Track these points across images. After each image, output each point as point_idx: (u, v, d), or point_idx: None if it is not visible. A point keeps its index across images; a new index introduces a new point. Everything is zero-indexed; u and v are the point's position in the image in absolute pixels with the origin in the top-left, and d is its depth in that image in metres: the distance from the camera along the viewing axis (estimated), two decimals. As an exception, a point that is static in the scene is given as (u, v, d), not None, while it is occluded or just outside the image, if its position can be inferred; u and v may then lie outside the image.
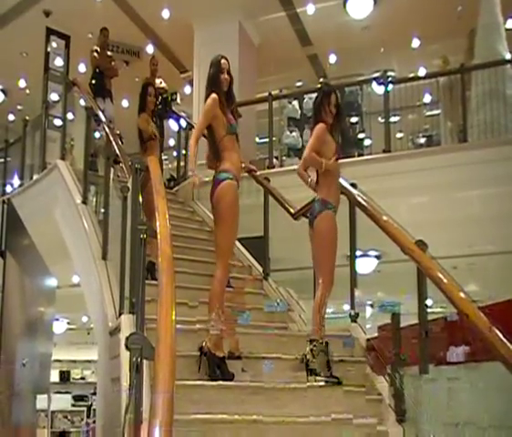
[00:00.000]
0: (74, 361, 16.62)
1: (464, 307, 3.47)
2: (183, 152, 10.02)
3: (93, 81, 9.43)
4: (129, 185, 4.94)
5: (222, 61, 4.54)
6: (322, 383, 4.29)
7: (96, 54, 9.56)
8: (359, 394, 4.25)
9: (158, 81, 9.72)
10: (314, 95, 10.19)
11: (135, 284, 4.18)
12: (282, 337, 4.95)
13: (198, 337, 4.42)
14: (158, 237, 3.52)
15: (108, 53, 9.88)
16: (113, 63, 9.81)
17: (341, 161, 5.00)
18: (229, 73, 4.53)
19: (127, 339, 2.71)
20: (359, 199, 4.90)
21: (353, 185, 5.03)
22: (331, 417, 3.96)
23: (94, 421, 13.90)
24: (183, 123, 10.26)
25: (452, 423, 3.52)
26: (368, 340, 4.82)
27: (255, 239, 6.75)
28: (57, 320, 13.09)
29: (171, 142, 11.42)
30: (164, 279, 3.00)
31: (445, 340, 4.23)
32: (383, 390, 4.29)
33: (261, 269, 6.56)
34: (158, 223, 3.67)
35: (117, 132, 7.10)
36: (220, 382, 4.05)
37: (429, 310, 4.06)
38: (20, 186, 9.59)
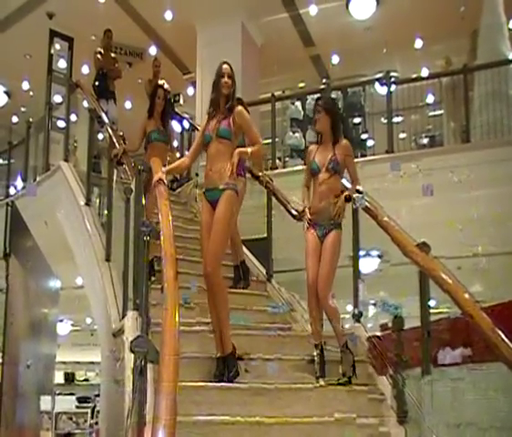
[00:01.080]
0: (78, 363, 16.62)
1: (467, 307, 3.47)
2: (186, 153, 10.03)
3: (96, 83, 9.44)
4: (132, 186, 4.95)
5: (224, 66, 4.49)
6: (323, 383, 4.34)
7: (99, 55, 9.58)
8: (362, 394, 4.26)
9: (160, 82, 9.73)
10: (317, 95, 10.27)
11: (138, 286, 4.20)
12: (286, 338, 4.95)
13: (199, 338, 4.44)
14: (162, 238, 3.55)
15: (112, 54, 9.90)
16: (116, 64, 9.82)
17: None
18: (230, 77, 4.46)
19: (131, 342, 2.71)
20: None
21: (358, 191, 4.99)
22: (334, 417, 3.97)
23: (97, 423, 13.92)
24: (186, 124, 10.26)
25: (454, 424, 3.52)
26: (370, 338, 4.81)
27: (258, 241, 6.76)
28: (61, 321, 13.10)
29: (174, 144, 11.41)
30: (168, 283, 3.01)
31: (448, 341, 4.23)
32: (385, 390, 4.29)
33: (264, 271, 6.57)
34: (161, 225, 3.69)
35: (121, 133, 7.12)
36: (223, 384, 4.05)
37: (432, 311, 4.06)
38: (24, 187, 9.62)
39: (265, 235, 6.61)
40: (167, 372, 2.42)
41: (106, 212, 6.31)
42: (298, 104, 10.71)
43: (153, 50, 12.23)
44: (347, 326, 5.09)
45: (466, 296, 3.52)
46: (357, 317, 5.02)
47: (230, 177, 4.31)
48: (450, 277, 3.70)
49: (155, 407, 2.29)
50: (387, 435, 3.98)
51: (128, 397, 3.50)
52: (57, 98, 10.16)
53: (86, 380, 16.74)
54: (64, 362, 15.43)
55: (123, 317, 4.60)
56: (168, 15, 11.17)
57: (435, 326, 3.98)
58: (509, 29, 9.46)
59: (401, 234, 4.31)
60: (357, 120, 10.53)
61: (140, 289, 4.03)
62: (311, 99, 10.22)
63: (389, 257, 8.10)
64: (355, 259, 5.12)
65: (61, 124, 9.12)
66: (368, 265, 8.96)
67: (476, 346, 3.65)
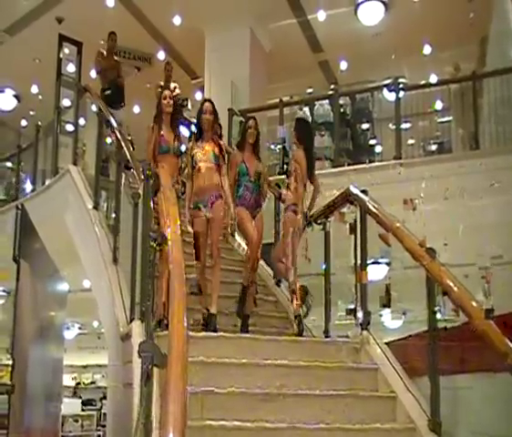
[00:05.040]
0: (85, 366, 16.63)
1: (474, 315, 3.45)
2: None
3: (107, 92, 9.37)
4: (140, 191, 4.95)
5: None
6: None
7: (100, 57, 9.53)
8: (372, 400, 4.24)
9: (172, 86, 9.73)
10: (325, 101, 10.26)
11: (145, 291, 4.19)
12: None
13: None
14: (169, 243, 3.52)
15: (115, 58, 9.86)
16: (119, 68, 9.73)
17: (352, 168, 5.04)
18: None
19: (139, 345, 2.71)
20: (370, 206, 4.89)
21: (364, 191, 5.02)
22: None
23: (104, 426, 13.90)
24: (194, 129, 10.26)
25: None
26: (387, 343, 4.79)
27: (265, 246, 6.75)
28: (68, 328, 13.11)
29: (182, 148, 11.42)
30: (175, 286, 3.00)
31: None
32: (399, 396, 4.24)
33: (272, 274, 6.60)
34: (169, 229, 3.66)
35: (129, 138, 7.12)
36: (233, 389, 4.01)
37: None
38: (32, 191, 9.65)
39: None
40: (175, 377, 2.39)
41: (113, 216, 6.31)
42: (306, 109, 10.70)
43: (161, 55, 12.26)
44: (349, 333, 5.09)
45: (474, 304, 3.50)
46: (364, 325, 4.93)
47: None
48: (456, 284, 3.68)
49: (164, 411, 2.25)
50: None
51: (135, 401, 3.50)
52: (66, 102, 10.18)
53: (92, 382, 16.75)
54: (71, 366, 15.44)
55: (131, 321, 4.60)
56: (177, 20, 11.22)
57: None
58: (519, 36, 9.43)
59: (410, 239, 4.29)
60: (365, 126, 10.51)
61: (147, 293, 4.03)
62: (319, 105, 10.23)
63: (397, 263, 8.06)
64: (363, 265, 5.08)
65: (70, 128, 9.14)
66: (376, 273, 8.93)
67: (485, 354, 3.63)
